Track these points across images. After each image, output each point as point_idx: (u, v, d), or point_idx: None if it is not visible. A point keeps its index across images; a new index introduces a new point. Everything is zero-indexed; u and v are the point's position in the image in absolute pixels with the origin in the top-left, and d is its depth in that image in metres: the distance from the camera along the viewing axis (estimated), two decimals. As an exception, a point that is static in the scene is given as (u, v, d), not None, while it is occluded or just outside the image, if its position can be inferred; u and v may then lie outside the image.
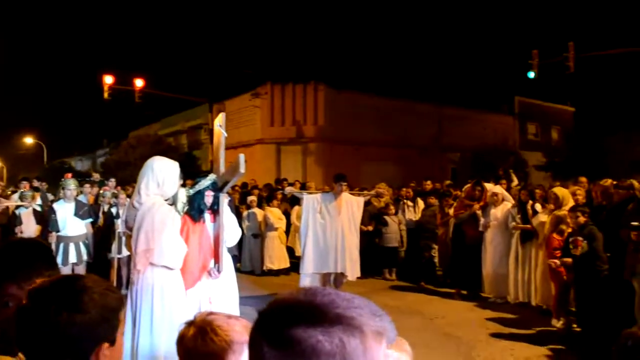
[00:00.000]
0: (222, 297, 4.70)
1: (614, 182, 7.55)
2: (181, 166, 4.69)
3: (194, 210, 4.59)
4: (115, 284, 8.68)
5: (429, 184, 11.97)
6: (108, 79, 22.16)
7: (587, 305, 6.42)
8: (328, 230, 7.86)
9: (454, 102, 28.79)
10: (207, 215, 4.71)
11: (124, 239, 7.58)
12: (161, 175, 4.13)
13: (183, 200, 4.64)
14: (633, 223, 6.08)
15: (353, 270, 7.96)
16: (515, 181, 10.38)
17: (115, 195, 9.74)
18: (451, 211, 9.49)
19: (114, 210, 9.10)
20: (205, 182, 4.65)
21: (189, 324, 1.92)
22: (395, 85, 27.73)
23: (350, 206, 8.02)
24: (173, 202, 4.41)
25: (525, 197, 8.35)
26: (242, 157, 4.24)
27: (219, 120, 4.73)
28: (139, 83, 22.89)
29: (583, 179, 9.18)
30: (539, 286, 7.84)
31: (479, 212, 8.75)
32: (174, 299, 4.04)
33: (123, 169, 22.42)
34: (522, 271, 8.16)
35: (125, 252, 8.19)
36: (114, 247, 8.74)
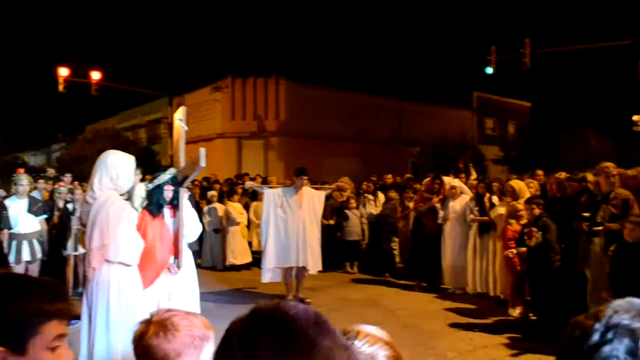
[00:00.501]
0: (182, 293, 4.64)
1: (568, 175, 7.79)
2: (140, 161, 4.59)
3: (153, 205, 4.51)
4: (71, 282, 8.48)
5: (389, 178, 12.10)
6: (63, 71, 21.47)
7: (542, 295, 6.62)
8: (289, 224, 7.86)
9: (414, 97, 29.12)
10: (167, 210, 4.64)
11: (79, 235, 7.40)
12: (114, 169, 4.01)
13: (142, 195, 4.55)
14: (584, 214, 6.29)
15: (315, 264, 7.99)
16: (474, 175, 10.60)
17: (71, 191, 9.49)
18: (411, 204, 9.63)
19: (70, 206, 8.87)
20: (165, 177, 4.57)
21: (147, 322, 1.88)
22: (357, 80, 27.96)
23: (312, 200, 8.03)
24: (129, 197, 4.32)
25: (482, 190, 8.54)
26: (202, 150, 4.20)
27: (180, 114, 4.67)
28: (95, 75, 22.29)
29: (540, 172, 9.43)
30: (497, 277, 8.04)
31: (438, 205, 8.89)
32: (131, 297, 3.94)
33: (80, 164, 21.83)
34: (480, 262, 8.35)
35: (81, 250, 7.99)
36: (70, 244, 8.52)
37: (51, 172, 14.00)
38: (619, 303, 0.88)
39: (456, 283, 8.72)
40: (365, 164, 23.63)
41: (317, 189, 8.73)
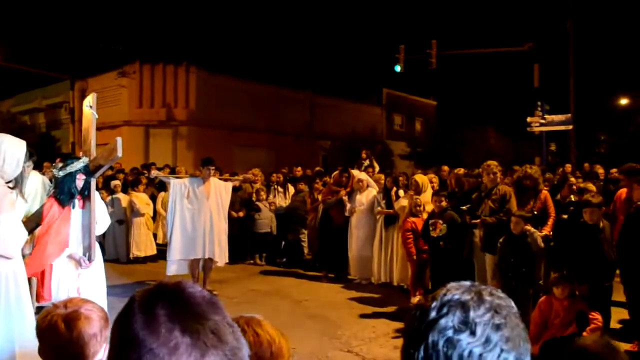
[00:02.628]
0: (91, 287, 4.46)
1: (465, 171, 8.26)
2: (39, 147, 4.34)
3: (64, 194, 4.31)
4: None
5: (299, 171, 12.23)
6: (-50, 48, 19.83)
7: (441, 283, 6.97)
8: (196, 215, 7.75)
9: (325, 91, 29.47)
10: (76, 201, 4.45)
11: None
12: (1, 154, 3.74)
13: (41, 184, 4.32)
14: (462, 207, 6.74)
15: (222, 256, 7.94)
16: (377, 167, 10.96)
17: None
18: (320, 197, 9.79)
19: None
20: (78, 165, 4.37)
21: (61, 311, 1.92)
22: (269, 71, 27.81)
23: (219, 191, 7.97)
24: (15, 184, 4.05)
25: (390, 184, 8.85)
26: (119, 140, 4.08)
27: (89, 101, 4.48)
28: (-13, 54, 20.76)
29: (445, 168, 9.90)
30: (399, 267, 8.38)
31: (345, 198, 9.10)
32: (12, 291, 3.61)
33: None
34: (384, 253, 8.64)
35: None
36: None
37: None
38: (451, 284, 1.01)
39: (362, 273, 8.98)
40: (277, 156, 23.68)
41: (225, 180, 8.67)
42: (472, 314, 0.93)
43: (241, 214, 10.46)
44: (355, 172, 9.55)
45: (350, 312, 7.14)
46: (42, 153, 6.26)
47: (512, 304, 1.00)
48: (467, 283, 1.01)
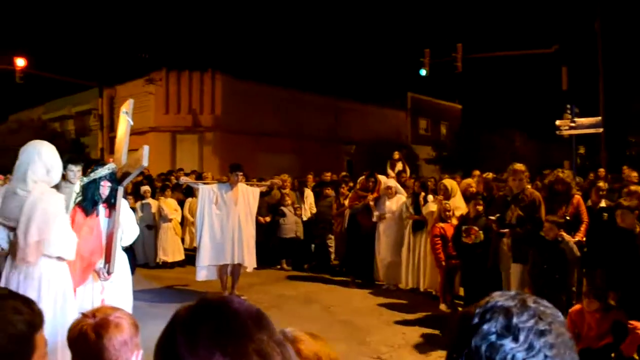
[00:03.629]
0: (116, 297, 4.37)
1: (494, 176, 8.11)
2: (69, 154, 4.35)
3: (87, 201, 4.22)
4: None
5: (328, 175, 12.21)
6: (-16, 58, 20.33)
7: (474, 290, 6.83)
8: (224, 221, 7.78)
9: (350, 96, 29.45)
10: (102, 210, 4.35)
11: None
12: (49, 161, 3.75)
13: (76, 190, 4.32)
14: (490, 217, 6.49)
15: (250, 261, 7.96)
16: (408, 172, 10.89)
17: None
18: (346, 202, 9.74)
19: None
20: (103, 171, 4.25)
21: (92, 320, 1.93)
22: (293, 77, 27.95)
23: (247, 197, 7.99)
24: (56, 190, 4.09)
25: (418, 189, 8.77)
26: (146, 148, 3.98)
27: (126, 107, 4.40)
28: (20, 62, 21.18)
29: (476, 172, 9.74)
30: (428, 273, 8.27)
31: (372, 204, 9.03)
32: (60, 294, 3.68)
33: (2, 156, 20.64)
34: (412, 259, 8.56)
35: None
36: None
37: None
38: (495, 293, 1.01)
39: (390, 279, 8.90)
40: (301, 160, 23.71)
41: (252, 185, 8.70)
42: (515, 319, 0.93)
43: (267, 219, 10.47)
44: (382, 178, 9.47)
45: (379, 318, 7.08)
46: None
47: (558, 312, 0.98)
48: (512, 292, 1.01)
